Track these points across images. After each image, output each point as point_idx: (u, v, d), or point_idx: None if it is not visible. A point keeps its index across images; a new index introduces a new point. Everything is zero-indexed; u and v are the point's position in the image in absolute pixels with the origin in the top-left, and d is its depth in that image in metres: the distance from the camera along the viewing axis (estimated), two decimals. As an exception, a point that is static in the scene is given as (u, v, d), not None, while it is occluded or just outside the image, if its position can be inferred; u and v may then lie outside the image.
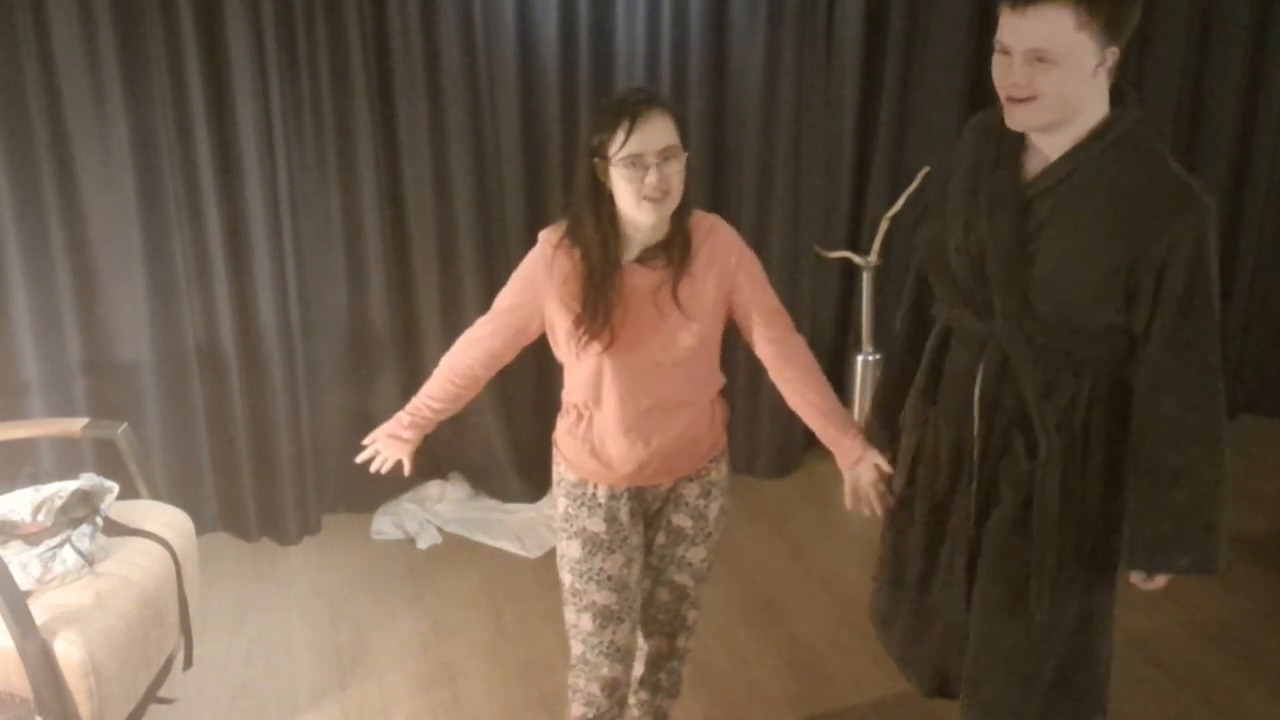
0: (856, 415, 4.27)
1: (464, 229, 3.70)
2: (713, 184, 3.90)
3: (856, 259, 4.17)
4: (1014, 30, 1.84)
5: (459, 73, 3.55)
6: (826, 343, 4.31)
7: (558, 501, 2.35)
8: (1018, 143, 2.00)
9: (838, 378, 4.36)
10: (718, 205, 3.86)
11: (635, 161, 2.03)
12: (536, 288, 2.20)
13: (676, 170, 2.08)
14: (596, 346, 2.14)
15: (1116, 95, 1.94)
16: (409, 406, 2.34)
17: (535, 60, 3.65)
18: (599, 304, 2.12)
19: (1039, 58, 1.83)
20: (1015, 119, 1.92)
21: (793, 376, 2.29)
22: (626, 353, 2.17)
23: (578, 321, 2.14)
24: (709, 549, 2.40)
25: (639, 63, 3.70)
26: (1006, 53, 1.87)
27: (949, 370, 2.14)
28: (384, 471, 2.33)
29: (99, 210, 3.37)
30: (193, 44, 3.27)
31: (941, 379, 2.16)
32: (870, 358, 4.22)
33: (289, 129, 3.48)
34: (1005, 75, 1.89)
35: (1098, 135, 1.90)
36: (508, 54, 3.60)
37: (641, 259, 2.16)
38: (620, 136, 2.03)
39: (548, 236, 2.21)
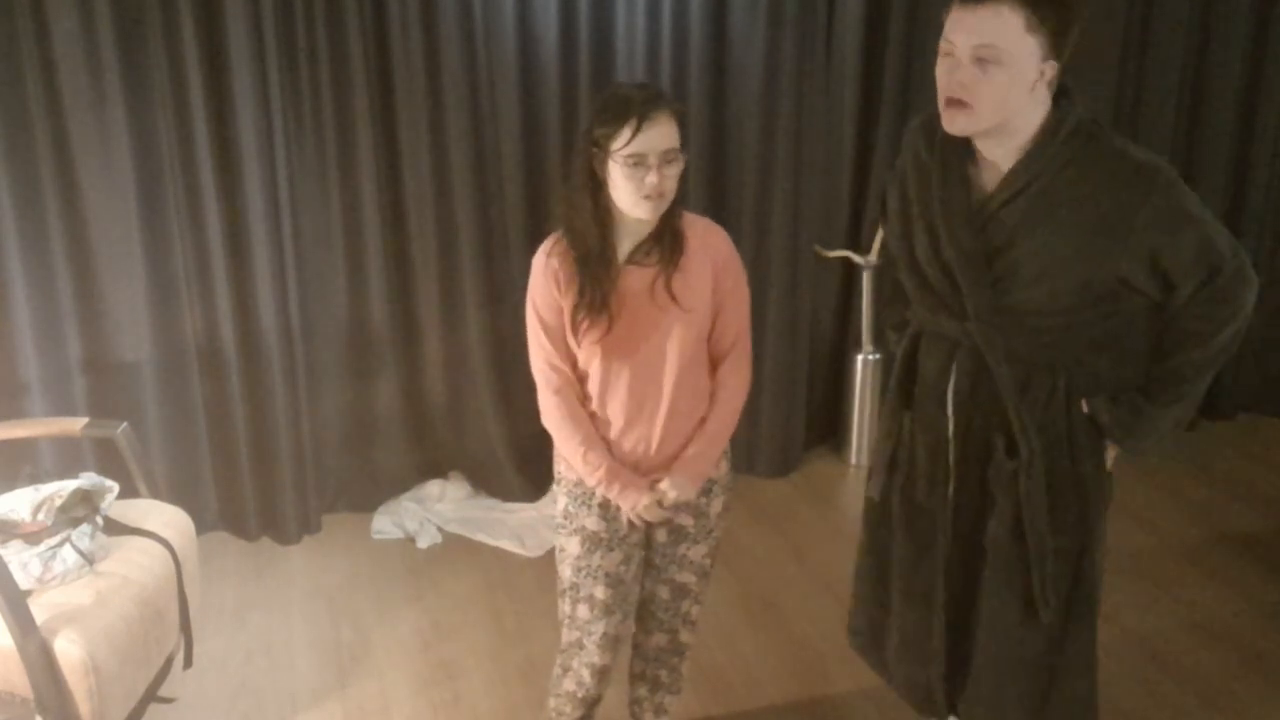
0: (856, 415, 4.27)
1: (464, 229, 3.70)
2: (713, 184, 3.89)
3: (856, 259, 4.16)
4: (963, 26, 1.86)
5: (459, 73, 3.55)
6: (826, 342, 4.31)
7: (558, 499, 2.36)
8: (962, 154, 2.02)
9: (838, 377, 4.36)
10: (718, 205, 3.86)
11: (638, 161, 2.05)
12: (552, 298, 2.20)
13: (674, 173, 2.10)
14: (596, 334, 2.16)
15: (1060, 91, 1.95)
16: (596, 462, 2.23)
17: (535, 60, 3.64)
18: (594, 289, 2.14)
19: (986, 57, 1.84)
20: (954, 124, 1.94)
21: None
22: (629, 353, 2.19)
23: (575, 308, 2.16)
24: (710, 546, 2.41)
25: (639, 62, 3.70)
26: (951, 53, 1.89)
27: (923, 373, 2.16)
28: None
29: (99, 210, 3.37)
30: (193, 44, 3.27)
31: (916, 383, 2.18)
32: (870, 357, 4.21)
33: (289, 129, 3.48)
34: (949, 75, 1.91)
35: (1049, 136, 1.92)
36: (508, 54, 3.60)
37: (633, 258, 2.17)
38: (626, 134, 2.04)
39: (541, 250, 2.23)
